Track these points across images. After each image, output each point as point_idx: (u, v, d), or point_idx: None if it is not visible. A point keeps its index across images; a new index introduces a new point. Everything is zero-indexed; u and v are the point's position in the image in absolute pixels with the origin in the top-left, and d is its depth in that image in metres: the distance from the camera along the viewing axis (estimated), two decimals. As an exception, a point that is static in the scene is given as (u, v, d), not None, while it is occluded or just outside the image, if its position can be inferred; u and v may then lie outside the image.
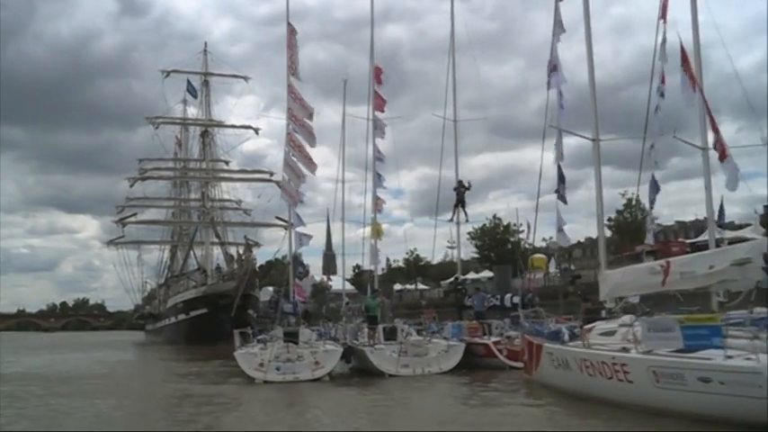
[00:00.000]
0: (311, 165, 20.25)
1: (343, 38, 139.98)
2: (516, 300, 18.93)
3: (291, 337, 17.58)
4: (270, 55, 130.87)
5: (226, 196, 57.85)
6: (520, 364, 15.93)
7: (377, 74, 24.18)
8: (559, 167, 14.58)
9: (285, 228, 52.55)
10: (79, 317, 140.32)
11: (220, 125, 54.63)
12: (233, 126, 54.40)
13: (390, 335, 18.46)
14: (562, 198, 14.74)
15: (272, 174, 53.76)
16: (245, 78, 56.20)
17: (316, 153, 20.03)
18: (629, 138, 15.37)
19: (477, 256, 52.85)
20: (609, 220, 41.32)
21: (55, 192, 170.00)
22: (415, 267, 56.19)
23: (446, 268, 58.58)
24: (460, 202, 23.56)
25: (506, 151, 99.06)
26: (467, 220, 24.05)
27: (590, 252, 57.96)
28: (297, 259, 22.63)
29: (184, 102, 61.11)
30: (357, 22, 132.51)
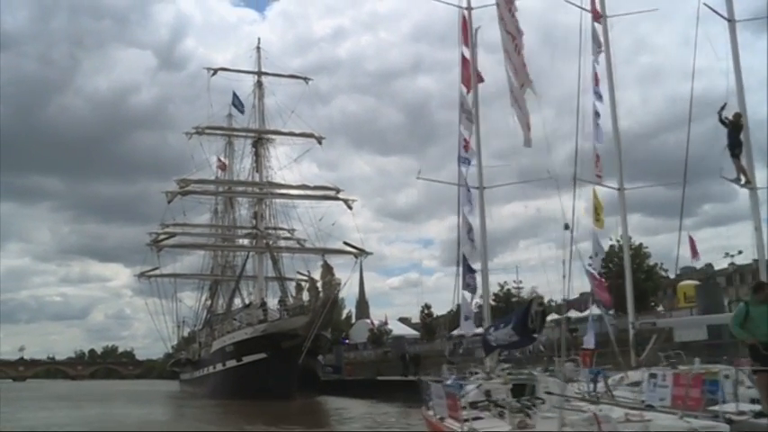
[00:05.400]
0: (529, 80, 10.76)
1: (374, 89, 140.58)
2: None
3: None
4: (302, 107, 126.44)
5: (278, 224, 48.62)
6: None
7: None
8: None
9: (356, 255, 43.64)
10: (107, 365, 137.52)
11: (277, 133, 45.60)
12: (291, 134, 45.25)
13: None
14: None
15: (338, 191, 44.53)
16: (306, 80, 47.77)
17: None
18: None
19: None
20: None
21: (88, 241, 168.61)
22: (507, 303, 45.65)
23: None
24: (736, 148, 12.20)
25: (535, 200, 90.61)
26: (747, 181, 12.45)
27: (737, 280, 47.82)
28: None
29: (229, 116, 52.74)
30: (388, 74, 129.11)
